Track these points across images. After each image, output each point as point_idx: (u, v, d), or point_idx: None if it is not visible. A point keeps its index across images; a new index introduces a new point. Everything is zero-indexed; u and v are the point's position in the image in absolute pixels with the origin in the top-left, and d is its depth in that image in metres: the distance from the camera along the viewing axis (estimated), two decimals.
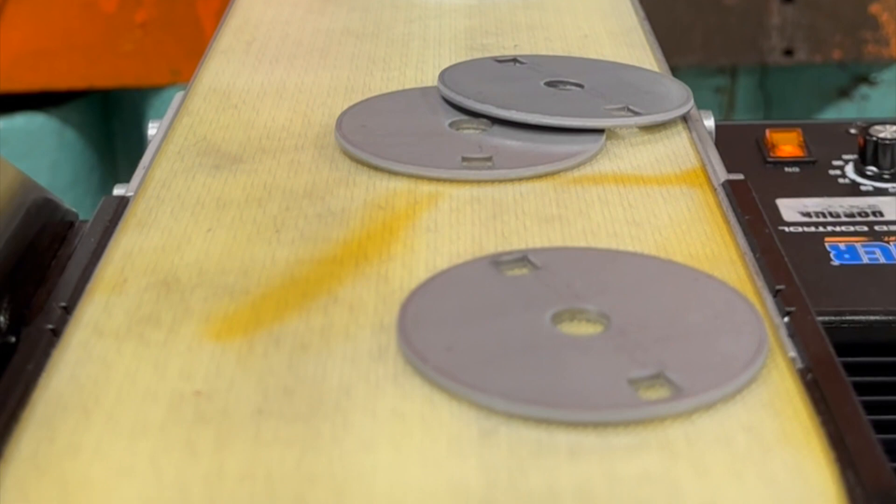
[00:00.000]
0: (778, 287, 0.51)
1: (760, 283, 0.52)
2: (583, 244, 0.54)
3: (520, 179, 0.59)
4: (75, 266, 0.54)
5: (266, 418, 0.43)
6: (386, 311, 0.49)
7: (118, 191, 0.60)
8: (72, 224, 0.64)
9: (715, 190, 0.58)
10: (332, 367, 0.45)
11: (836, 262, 0.69)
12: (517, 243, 0.54)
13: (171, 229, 0.55)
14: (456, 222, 0.55)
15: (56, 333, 0.49)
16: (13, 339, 0.55)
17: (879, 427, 0.45)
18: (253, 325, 0.48)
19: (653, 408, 0.42)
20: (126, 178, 0.61)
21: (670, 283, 0.50)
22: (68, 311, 0.50)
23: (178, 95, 0.70)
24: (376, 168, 0.60)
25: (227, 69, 0.73)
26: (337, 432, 0.42)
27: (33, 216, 0.60)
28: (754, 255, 0.54)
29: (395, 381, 0.44)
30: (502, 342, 0.46)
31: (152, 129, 0.67)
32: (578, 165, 0.60)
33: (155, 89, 1.40)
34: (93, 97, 1.42)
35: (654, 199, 0.58)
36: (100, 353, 0.47)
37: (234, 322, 0.48)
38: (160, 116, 0.68)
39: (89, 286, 0.51)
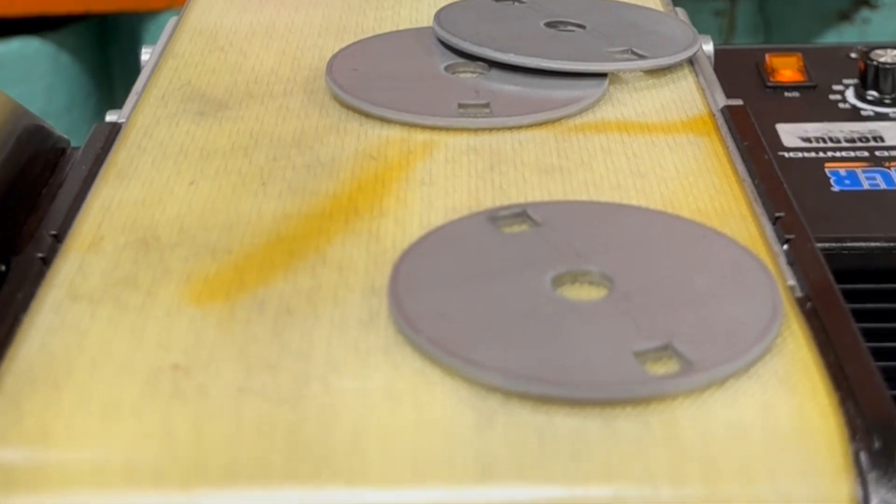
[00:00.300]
0: (777, 214, 0.49)
1: (759, 209, 0.49)
2: (584, 197, 0.50)
3: (519, 127, 0.55)
4: (66, 194, 0.51)
5: (248, 398, 0.39)
6: (377, 272, 0.45)
7: (110, 117, 0.57)
8: (63, 151, 0.60)
9: (722, 138, 0.55)
10: (320, 336, 0.42)
11: (836, 188, 0.67)
12: (516, 196, 0.50)
13: (152, 181, 0.52)
14: (451, 174, 0.52)
15: (46, 262, 0.46)
16: (3, 268, 0.51)
17: (880, 354, 0.44)
18: (236, 287, 0.44)
19: (661, 384, 0.39)
20: (122, 104, 0.58)
21: (677, 240, 0.47)
22: (59, 239, 0.48)
23: (172, 21, 0.67)
24: (368, 115, 0.56)
25: (214, 8, 0.69)
26: (325, 418, 0.39)
27: (24, 143, 0.57)
28: (753, 181, 0.51)
29: (387, 353, 0.41)
30: (499, 309, 0.42)
31: (146, 55, 0.64)
32: (580, 112, 0.57)
33: (152, 14, 1.36)
34: (89, 22, 1.38)
35: (660, 148, 0.54)
36: (73, 318, 0.43)
37: (215, 284, 0.45)
38: (156, 42, 0.65)
39: (64, 244, 0.48)
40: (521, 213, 0.48)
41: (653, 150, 0.54)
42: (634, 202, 0.50)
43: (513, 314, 0.42)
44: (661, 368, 0.40)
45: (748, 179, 0.52)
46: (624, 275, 0.44)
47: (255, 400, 0.39)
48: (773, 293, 0.43)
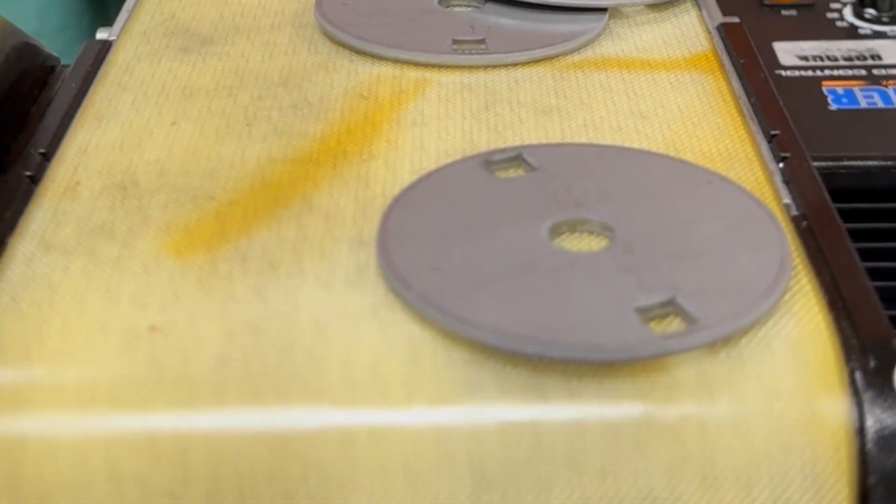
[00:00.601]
0: (773, 132, 0.47)
1: (756, 127, 0.47)
2: (584, 140, 0.47)
3: (515, 64, 0.52)
4: (55, 112, 0.49)
5: (229, 370, 0.36)
6: (366, 222, 0.42)
7: (101, 35, 0.55)
8: (53, 69, 0.57)
9: (727, 77, 0.52)
10: (305, 295, 0.39)
11: (833, 107, 0.64)
12: (511, 139, 0.47)
13: (132, 122, 0.48)
14: (445, 114, 0.49)
15: (34, 180, 0.44)
16: None
17: (876, 274, 0.42)
18: (217, 238, 0.42)
19: (663, 344, 0.36)
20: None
21: (681, 187, 0.44)
22: (47, 157, 0.46)
23: None
24: (358, 51, 0.53)
25: None
26: (308, 390, 0.36)
27: (13, 61, 0.54)
28: (749, 99, 0.49)
29: (376, 314, 0.38)
30: (494, 262, 0.39)
31: None
32: (579, 48, 0.53)
33: None
34: None
35: (662, 86, 0.51)
36: (45, 271, 0.40)
37: (196, 234, 0.42)
38: None
39: (38, 189, 0.45)
40: (516, 157, 0.45)
41: (655, 88, 0.51)
42: (636, 145, 0.47)
43: (508, 268, 0.39)
44: (663, 325, 0.37)
45: (744, 97, 0.50)
46: (625, 224, 0.41)
47: (237, 373, 0.36)
48: (782, 245, 0.40)
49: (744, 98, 0.50)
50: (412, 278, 0.38)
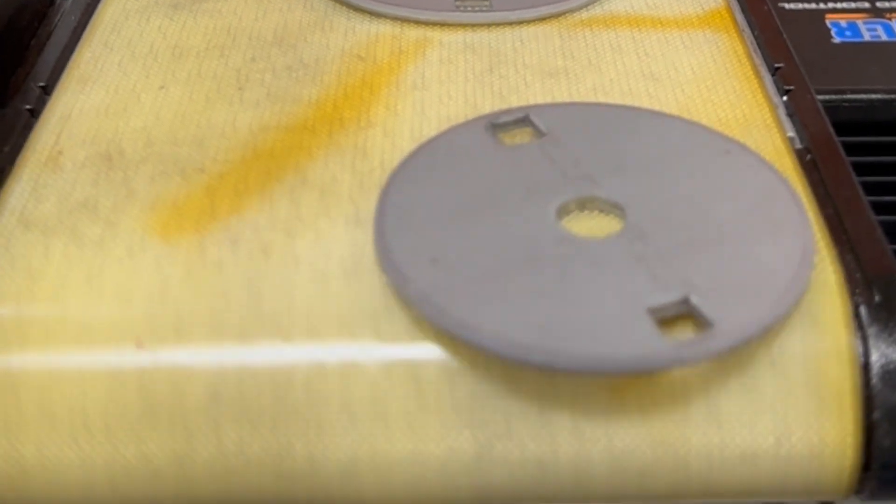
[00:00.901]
0: (776, 65, 0.46)
1: (759, 60, 0.46)
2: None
3: (520, 22, 0.49)
4: (55, 45, 0.47)
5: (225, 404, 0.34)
6: (362, 198, 0.39)
7: None
8: (52, 1, 0.54)
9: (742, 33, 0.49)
10: (298, 292, 0.36)
11: (836, 40, 0.62)
12: (517, 104, 0.44)
13: (118, 86, 0.45)
14: (446, 77, 0.46)
15: (34, 114, 0.43)
16: None
17: (880, 208, 0.41)
18: (207, 216, 0.39)
19: (677, 352, 0.33)
20: None
21: (697, 157, 0.41)
22: (47, 91, 0.44)
23: None
24: (356, 8, 0.50)
25: None
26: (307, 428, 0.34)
27: None
28: (752, 32, 0.47)
29: (374, 318, 0.35)
30: (498, 251, 0.36)
31: None
32: (587, 5, 0.50)
33: None
34: None
35: (675, 46, 0.48)
36: (23, 253, 0.37)
37: (184, 211, 0.39)
38: None
39: (18, 159, 0.42)
40: (523, 119, 0.42)
41: (667, 48, 0.48)
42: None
43: (513, 259, 0.36)
44: (676, 328, 0.34)
45: (748, 31, 0.48)
46: (637, 202, 0.38)
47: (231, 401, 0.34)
48: (805, 231, 0.37)
49: (748, 31, 0.48)
50: (410, 272, 0.35)
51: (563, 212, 0.38)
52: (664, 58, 0.47)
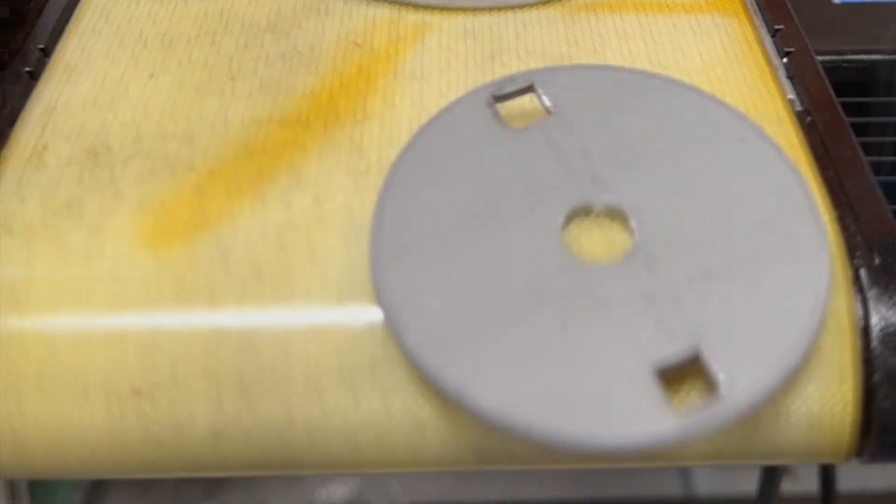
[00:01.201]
0: (776, 27, 0.45)
1: (760, 22, 0.45)
2: None
3: (523, 6, 0.47)
4: (54, 7, 0.46)
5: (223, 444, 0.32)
6: (358, 202, 0.37)
7: None
8: None
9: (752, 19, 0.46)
10: (294, 346, 0.34)
11: (837, 0, 0.60)
12: None
13: (106, 75, 0.43)
14: (446, 66, 0.43)
15: (34, 76, 0.43)
16: None
17: (880, 169, 0.41)
18: (196, 223, 0.36)
19: (684, 427, 0.31)
20: None
21: (711, 146, 0.38)
22: (46, 53, 0.43)
23: None
24: None
25: None
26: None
27: None
28: (762, 14, 0.46)
29: (374, 373, 0.34)
30: (501, 283, 0.34)
31: None
32: None
33: None
34: None
35: (682, 32, 0.46)
36: (7, 267, 0.35)
37: (173, 217, 0.37)
38: None
39: (1, 155, 0.40)
40: (528, 88, 0.39)
41: (674, 34, 0.45)
42: None
43: (516, 298, 0.33)
44: (684, 386, 0.33)
45: (758, 15, 0.46)
46: (646, 208, 0.36)
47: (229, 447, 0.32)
48: (821, 253, 0.35)
49: (758, 15, 0.46)
50: (408, 319, 0.33)
51: (568, 219, 0.36)
52: (672, 44, 0.45)
